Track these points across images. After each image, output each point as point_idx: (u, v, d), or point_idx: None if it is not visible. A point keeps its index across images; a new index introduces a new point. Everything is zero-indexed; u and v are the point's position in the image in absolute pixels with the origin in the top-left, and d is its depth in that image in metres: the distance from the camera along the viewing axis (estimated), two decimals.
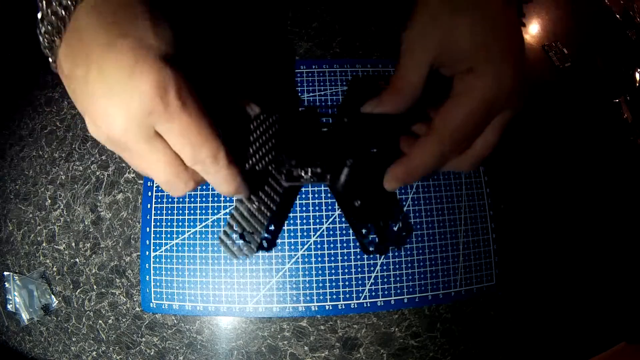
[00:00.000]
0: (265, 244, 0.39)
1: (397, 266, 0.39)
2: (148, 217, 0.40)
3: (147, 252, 0.39)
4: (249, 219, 0.33)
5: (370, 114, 0.31)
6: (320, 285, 0.38)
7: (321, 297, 0.37)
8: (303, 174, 0.33)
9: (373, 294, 0.38)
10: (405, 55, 0.28)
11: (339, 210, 0.39)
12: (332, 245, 0.39)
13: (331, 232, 0.40)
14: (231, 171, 0.25)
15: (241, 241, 0.33)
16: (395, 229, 0.36)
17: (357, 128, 0.32)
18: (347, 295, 0.38)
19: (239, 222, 0.33)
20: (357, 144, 0.32)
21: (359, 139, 0.32)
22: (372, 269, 0.38)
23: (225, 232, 0.33)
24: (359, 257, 0.39)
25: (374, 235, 0.35)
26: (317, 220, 0.40)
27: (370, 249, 0.34)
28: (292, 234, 0.39)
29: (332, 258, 0.39)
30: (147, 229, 0.40)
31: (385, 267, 0.38)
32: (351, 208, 0.34)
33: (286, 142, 0.32)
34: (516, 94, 0.25)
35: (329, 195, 0.40)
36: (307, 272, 0.38)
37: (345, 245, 0.39)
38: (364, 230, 0.34)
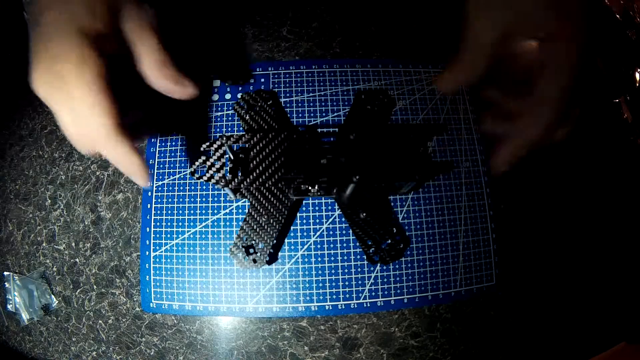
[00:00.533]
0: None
1: (397, 266, 0.39)
2: (148, 217, 0.40)
3: (147, 252, 0.39)
4: (258, 232, 0.34)
5: (374, 130, 0.31)
6: (320, 285, 0.38)
7: (321, 297, 0.37)
8: (310, 188, 0.34)
9: (373, 294, 0.38)
10: (474, 22, 0.27)
11: (339, 210, 0.39)
12: (332, 245, 0.39)
13: (331, 232, 0.40)
14: (121, 145, 0.26)
15: (251, 253, 0.34)
16: (395, 240, 0.36)
17: (363, 144, 0.33)
18: (347, 295, 0.38)
19: (248, 234, 0.34)
20: (363, 160, 0.33)
21: (365, 155, 0.33)
22: (372, 269, 0.38)
23: (235, 244, 0.33)
24: (359, 257, 0.39)
25: (379, 247, 0.35)
26: (317, 220, 0.40)
27: (375, 259, 0.35)
28: (292, 234, 0.39)
29: (332, 258, 0.39)
30: (147, 229, 0.40)
31: (385, 267, 0.38)
32: (357, 220, 0.34)
33: (295, 159, 0.33)
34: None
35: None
36: (307, 272, 0.38)
37: (345, 245, 0.39)
38: (369, 241, 0.35)
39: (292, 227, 0.40)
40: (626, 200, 0.42)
